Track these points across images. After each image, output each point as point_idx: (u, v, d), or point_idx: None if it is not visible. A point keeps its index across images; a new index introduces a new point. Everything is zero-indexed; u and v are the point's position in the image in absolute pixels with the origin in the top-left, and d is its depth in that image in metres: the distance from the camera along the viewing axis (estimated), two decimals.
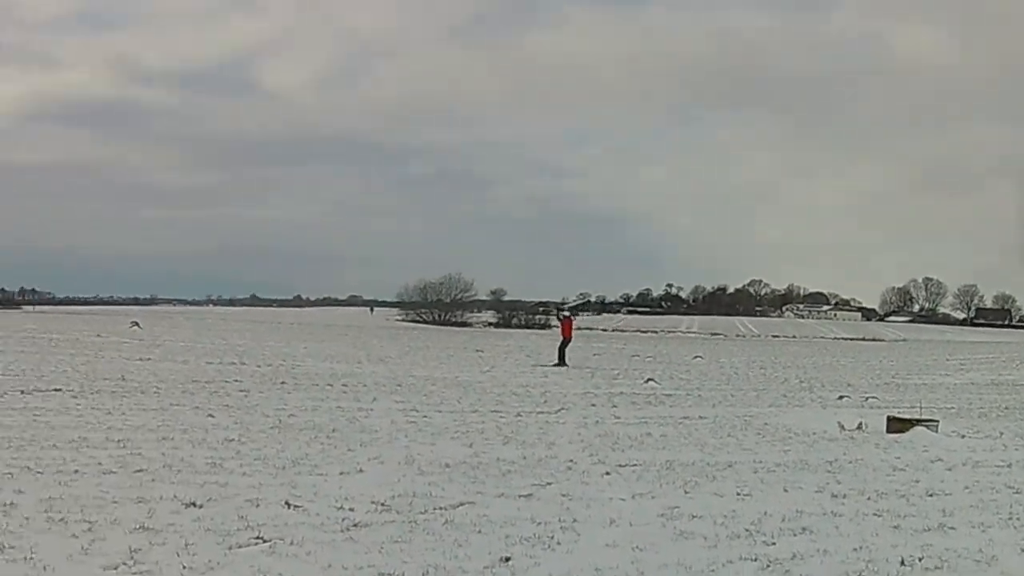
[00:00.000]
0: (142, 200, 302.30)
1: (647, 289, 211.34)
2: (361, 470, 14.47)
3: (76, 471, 13.21)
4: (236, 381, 27.57)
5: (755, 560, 9.92)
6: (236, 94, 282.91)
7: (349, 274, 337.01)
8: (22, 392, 22.29)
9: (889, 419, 21.22)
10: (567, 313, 48.01)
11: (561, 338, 43.05)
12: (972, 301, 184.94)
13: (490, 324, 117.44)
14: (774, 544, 10.59)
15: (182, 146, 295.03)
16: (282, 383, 27.78)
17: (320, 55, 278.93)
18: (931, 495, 13.63)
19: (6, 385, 23.56)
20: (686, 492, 13.52)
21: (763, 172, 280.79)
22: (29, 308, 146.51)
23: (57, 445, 15.23)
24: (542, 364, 41.98)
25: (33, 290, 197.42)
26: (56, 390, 23.05)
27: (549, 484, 13.79)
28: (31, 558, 8.91)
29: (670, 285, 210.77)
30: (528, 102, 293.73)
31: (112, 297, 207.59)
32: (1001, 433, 21.30)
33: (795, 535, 11.01)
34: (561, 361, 41.36)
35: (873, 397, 30.39)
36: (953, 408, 27.29)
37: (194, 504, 11.47)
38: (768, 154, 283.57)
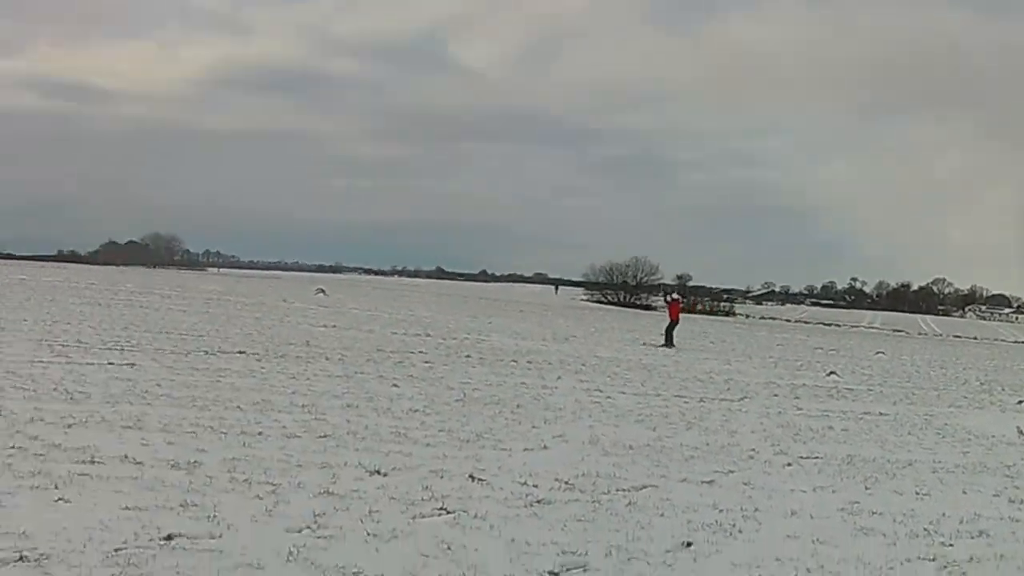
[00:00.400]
0: (331, 169, 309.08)
1: (831, 282, 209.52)
2: (545, 447, 14.61)
3: (260, 433, 13.58)
4: (421, 352, 27.91)
5: (933, 560, 9.89)
6: (429, 68, 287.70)
7: (535, 251, 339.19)
8: (206, 353, 22.91)
9: None
10: (675, 296, 47.52)
11: (668, 320, 42.81)
12: None
13: None
14: (952, 546, 10.52)
15: (373, 118, 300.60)
16: (467, 356, 28.04)
17: (514, 34, 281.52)
18: None
19: (191, 345, 24.23)
20: (866, 488, 13.47)
21: (954, 171, 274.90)
22: (213, 270, 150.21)
23: (241, 407, 15.65)
24: (651, 343, 41.74)
25: (218, 253, 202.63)
26: (240, 352, 23.64)
27: (731, 472, 13.84)
28: (214, 516, 9.17)
29: (854, 279, 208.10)
30: (722, 90, 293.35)
31: (297, 263, 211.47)
32: None
33: (972, 538, 10.94)
34: (668, 342, 41.33)
35: None
36: None
37: (378, 472, 11.71)
38: (960, 154, 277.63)
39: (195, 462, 11.39)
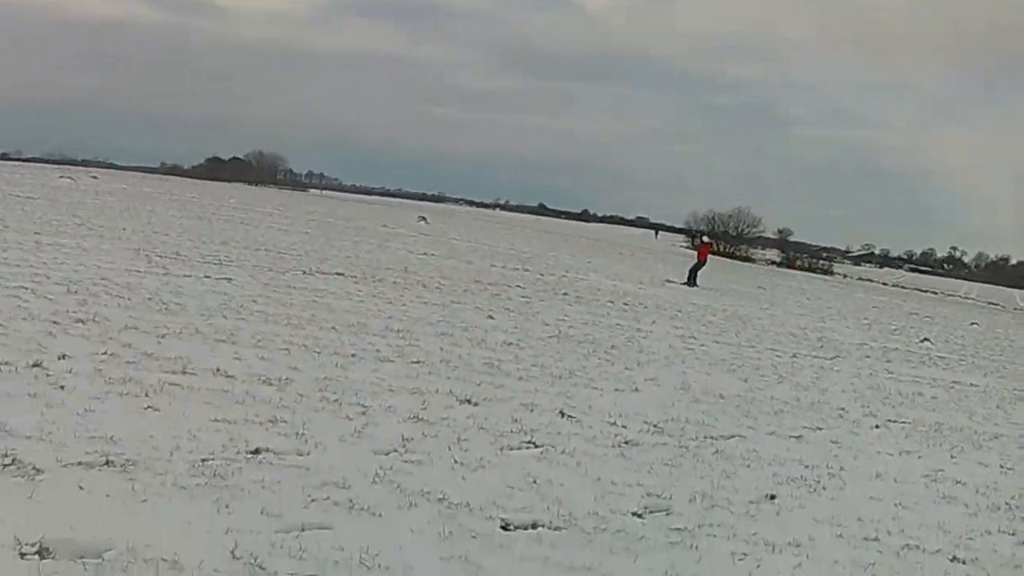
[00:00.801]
0: (440, 98, 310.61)
1: (931, 249, 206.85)
2: (637, 389, 14.64)
3: (353, 355, 13.69)
4: (518, 287, 27.93)
5: (1013, 535, 9.87)
6: (544, 4, 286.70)
7: (638, 195, 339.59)
8: (304, 272, 23.08)
9: None
10: (705, 239, 47.14)
11: (696, 260, 42.87)
12: None
13: (773, 263, 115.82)
14: None
15: (486, 50, 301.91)
16: (564, 294, 28.00)
17: None
18: None
19: (289, 264, 24.43)
20: (952, 457, 13.45)
21: None
22: (315, 192, 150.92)
23: (336, 328, 15.77)
24: (671, 280, 41.62)
25: (321, 175, 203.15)
26: (338, 274, 23.79)
27: (819, 429, 13.88)
28: (303, 434, 9.27)
29: (954, 248, 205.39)
30: (838, 47, 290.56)
31: (400, 190, 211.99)
32: None
33: None
34: (691, 281, 41.35)
35: None
36: None
37: (469, 401, 11.80)
38: None
39: (287, 379, 11.50)
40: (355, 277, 23.71)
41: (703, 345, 21.26)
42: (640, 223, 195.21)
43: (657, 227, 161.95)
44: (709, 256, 44.72)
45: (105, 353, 11.47)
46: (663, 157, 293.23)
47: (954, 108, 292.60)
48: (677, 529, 8.26)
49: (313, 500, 7.47)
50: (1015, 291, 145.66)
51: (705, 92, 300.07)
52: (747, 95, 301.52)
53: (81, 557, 5.94)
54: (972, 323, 50.17)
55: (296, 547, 6.53)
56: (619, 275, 41.18)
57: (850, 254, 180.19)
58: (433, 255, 35.61)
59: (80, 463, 7.54)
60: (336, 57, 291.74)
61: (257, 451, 8.47)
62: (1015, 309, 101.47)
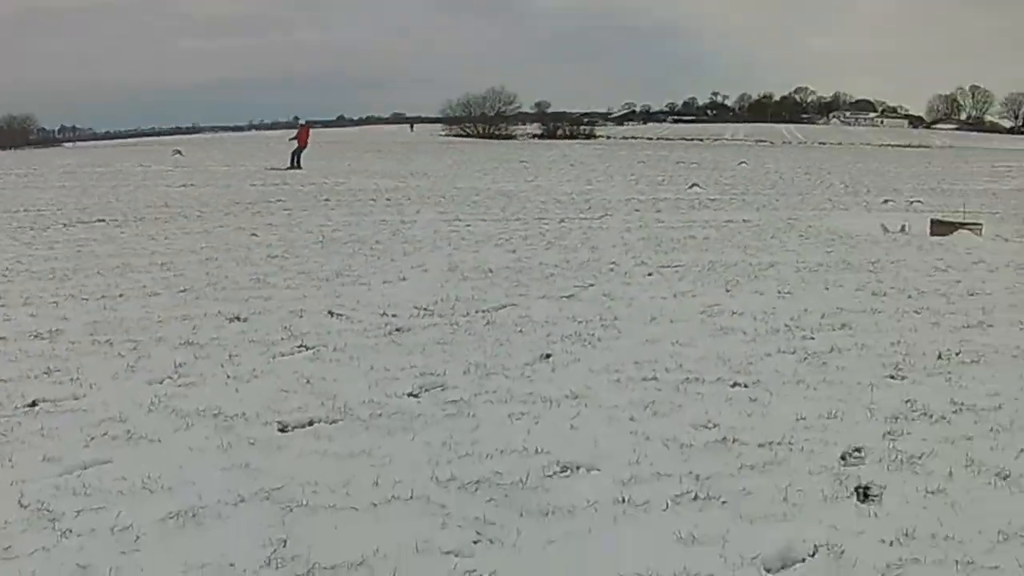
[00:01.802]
0: (182, 31, 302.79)
1: (692, 98, 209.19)
2: (404, 278, 14.78)
3: (121, 295, 13.47)
4: (279, 201, 27.78)
5: (793, 353, 10.18)
6: None
7: (392, 94, 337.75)
8: (65, 225, 22.48)
9: (933, 222, 21.16)
10: (303, 122, 48.12)
11: (296, 145, 44.61)
12: (1020, 109, 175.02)
13: (535, 136, 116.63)
14: (813, 339, 10.85)
15: None
16: (325, 200, 27.97)
17: None
18: (972, 295, 13.70)
19: (49, 220, 23.75)
20: (728, 291, 13.82)
21: None
22: (69, 145, 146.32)
23: (101, 272, 15.49)
24: (275, 168, 43.27)
25: (73, 127, 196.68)
26: (99, 221, 23.23)
27: (591, 285, 14.16)
28: (77, 379, 9.17)
29: (715, 93, 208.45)
30: None
31: (154, 128, 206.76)
32: None
33: (834, 330, 11.26)
34: (294, 165, 43.58)
35: (918, 201, 30.21)
36: (998, 213, 26.78)
37: (238, 318, 11.79)
38: None
39: (57, 330, 11.30)
40: (116, 220, 23.17)
41: (469, 226, 21.50)
42: (397, 119, 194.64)
43: (412, 120, 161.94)
44: (310, 140, 45.86)
45: None
46: (412, 52, 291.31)
47: None
48: (453, 401, 8.44)
49: (92, 439, 7.43)
50: (781, 126, 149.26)
51: None
52: None
53: None
54: (741, 162, 51.55)
55: (80, 485, 6.52)
56: (379, 173, 41.21)
57: (612, 115, 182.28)
58: (192, 185, 34.97)
59: None
60: (71, 8, 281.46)
61: (34, 403, 8.35)
62: (784, 143, 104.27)
